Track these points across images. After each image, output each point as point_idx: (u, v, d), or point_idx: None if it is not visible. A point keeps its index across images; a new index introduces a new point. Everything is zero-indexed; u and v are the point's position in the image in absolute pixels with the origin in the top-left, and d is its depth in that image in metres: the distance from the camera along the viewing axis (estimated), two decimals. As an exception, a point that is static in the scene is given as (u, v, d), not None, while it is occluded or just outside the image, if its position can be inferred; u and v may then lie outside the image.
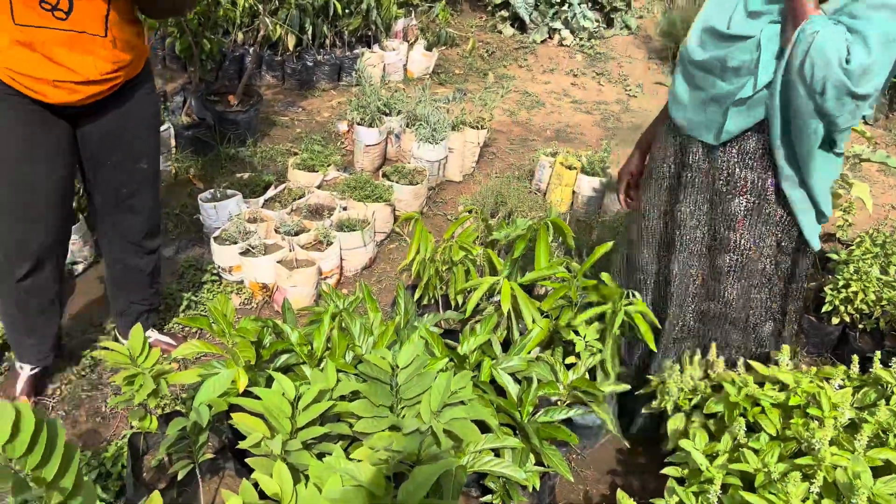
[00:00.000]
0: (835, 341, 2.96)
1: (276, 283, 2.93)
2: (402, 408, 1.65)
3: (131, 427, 2.32)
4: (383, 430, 1.59)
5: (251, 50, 4.91)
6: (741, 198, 2.03)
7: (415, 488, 1.21)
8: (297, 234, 3.08)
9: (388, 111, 3.99)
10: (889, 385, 1.96)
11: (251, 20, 4.83)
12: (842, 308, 2.86)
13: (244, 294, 3.00)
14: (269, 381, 1.89)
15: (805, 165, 1.88)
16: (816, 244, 2.04)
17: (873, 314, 2.82)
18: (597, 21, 6.42)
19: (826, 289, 2.91)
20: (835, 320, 2.89)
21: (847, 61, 1.60)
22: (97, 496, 1.29)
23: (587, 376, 2.13)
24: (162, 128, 3.71)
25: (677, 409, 2.19)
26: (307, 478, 1.46)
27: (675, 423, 2.17)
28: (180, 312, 2.84)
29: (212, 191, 3.26)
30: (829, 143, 1.85)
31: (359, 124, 3.91)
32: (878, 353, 2.18)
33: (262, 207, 3.29)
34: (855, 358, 2.03)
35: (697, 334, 2.30)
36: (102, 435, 2.29)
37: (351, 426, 1.67)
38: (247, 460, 1.55)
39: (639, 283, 2.41)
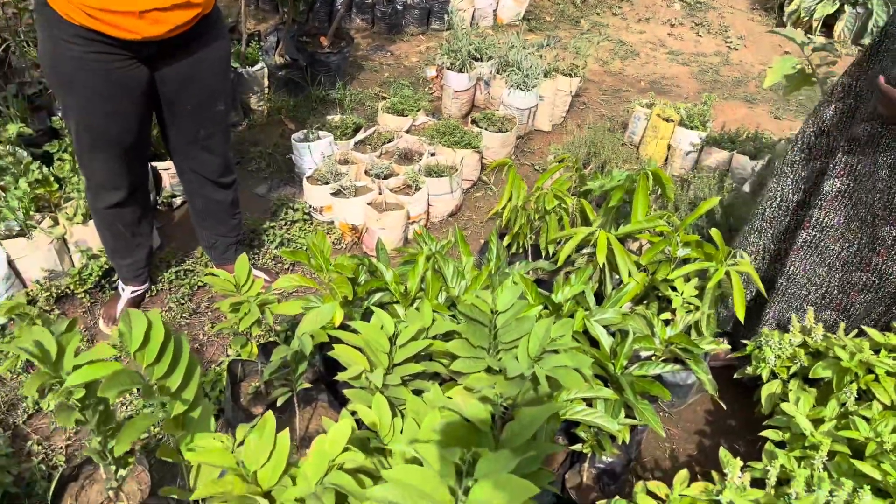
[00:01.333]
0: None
1: (366, 225, 2.95)
2: (499, 351, 1.63)
3: (227, 354, 2.41)
4: (479, 372, 1.58)
5: (342, -8, 4.88)
6: None
7: (521, 429, 1.19)
8: (386, 177, 3.08)
9: (478, 56, 3.90)
10: None
11: (342, -40, 4.79)
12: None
13: (334, 234, 3.03)
14: (365, 318, 1.91)
15: None
16: None
17: None
18: (698, -33, 6.07)
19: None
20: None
21: None
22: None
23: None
24: (255, 67, 3.76)
25: (773, 375, 2.11)
26: (402, 414, 1.47)
27: (770, 389, 2.09)
28: (272, 249, 2.90)
29: (304, 131, 3.28)
30: None
31: (448, 69, 3.85)
32: None
33: (352, 150, 3.30)
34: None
35: (840, 305, 2.17)
36: (200, 361, 2.39)
37: (446, 366, 1.67)
38: (345, 392, 1.57)
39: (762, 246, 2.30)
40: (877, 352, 1.89)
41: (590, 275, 2.20)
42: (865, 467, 1.54)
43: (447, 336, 1.79)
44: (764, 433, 1.84)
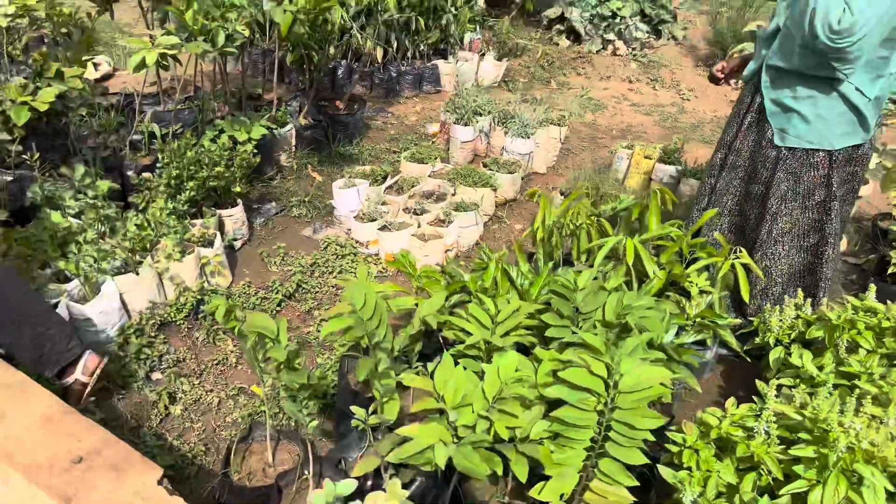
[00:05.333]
0: (899, 300, 3.36)
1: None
2: (582, 321, 2.10)
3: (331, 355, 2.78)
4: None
5: (342, 63, 5.44)
6: None
7: (634, 348, 1.65)
8: (423, 213, 3.56)
9: (479, 112, 4.48)
10: (962, 312, 2.38)
11: (341, 36, 5.36)
12: (905, 269, 3.27)
13: (379, 265, 3.47)
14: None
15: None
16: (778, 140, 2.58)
17: (933, 274, 3.23)
18: (647, 32, 6.90)
19: (891, 253, 3.33)
20: (898, 281, 3.30)
21: (839, 21, 2.13)
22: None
23: (704, 311, 2.56)
24: (285, 129, 4.24)
25: (778, 342, 2.63)
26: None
27: (775, 354, 2.60)
28: (331, 278, 3.31)
29: (343, 179, 3.75)
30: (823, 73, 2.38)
31: (455, 123, 4.40)
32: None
33: (384, 193, 3.77)
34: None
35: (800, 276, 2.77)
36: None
37: (536, 337, 2.12)
38: (459, 360, 2.00)
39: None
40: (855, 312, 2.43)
41: (623, 273, 2.71)
42: (864, 384, 2.05)
43: (530, 317, 2.25)
44: (779, 381, 2.34)
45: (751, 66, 2.68)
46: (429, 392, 1.60)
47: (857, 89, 2.42)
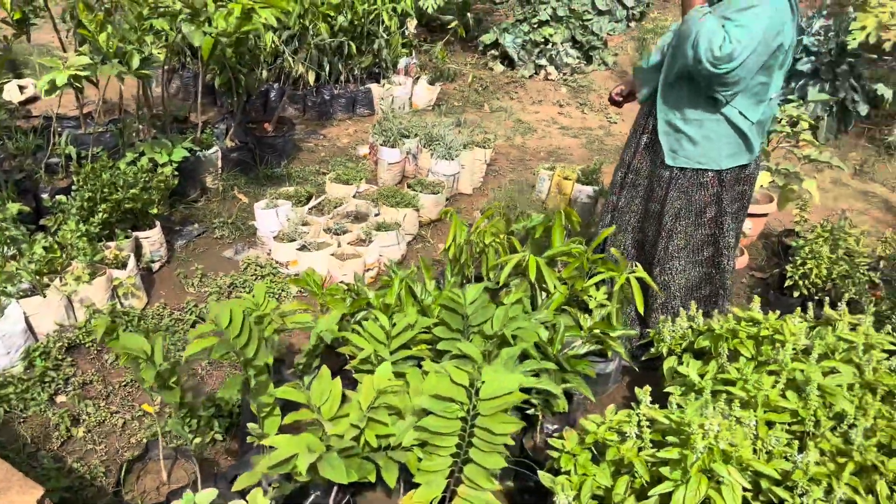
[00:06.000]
0: (796, 312, 3.55)
1: (329, 273, 3.45)
2: (471, 333, 2.18)
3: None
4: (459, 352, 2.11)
5: (275, 86, 5.49)
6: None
7: (508, 358, 1.73)
8: (343, 233, 3.62)
9: (406, 134, 4.57)
10: (835, 320, 2.54)
11: (274, 59, 5.42)
12: (801, 283, 3.45)
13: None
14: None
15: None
16: (669, 160, 2.72)
17: (826, 287, 3.42)
18: (578, 58, 7.13)
19: (788, 267, 3.51)
20: (795, 294, 3.48)
21: (720, 47, 2.29)
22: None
23: (601, 324, 2.67)
24: (211, 150, 4.26)
25: (671, 352, 2.75)
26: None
27: (669, 364, 2.72)
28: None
29: (266, 200, 3.79)
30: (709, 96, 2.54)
31: (382, 145, 4.49)
32: (828, 298, 2.77)
33: (307, 214, 3.82)
34: (810, 305, 2.61)
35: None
36: (202, 391, 2.78)
37: (431, 350, 2.19)
38: (355, 374, 2.05)
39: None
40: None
41: (525, 289, 2.81)
42: (735, 391, 2.17)
43: (425, 332, 2.32)
44: (667, 388, 2.45)
45: (644, 91, 2.83)
46: (307, 405, 1.65)
47: (740, 113, 2.58)
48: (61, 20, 4.00)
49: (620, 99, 3.10)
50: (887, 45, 5.18)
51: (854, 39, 5.23)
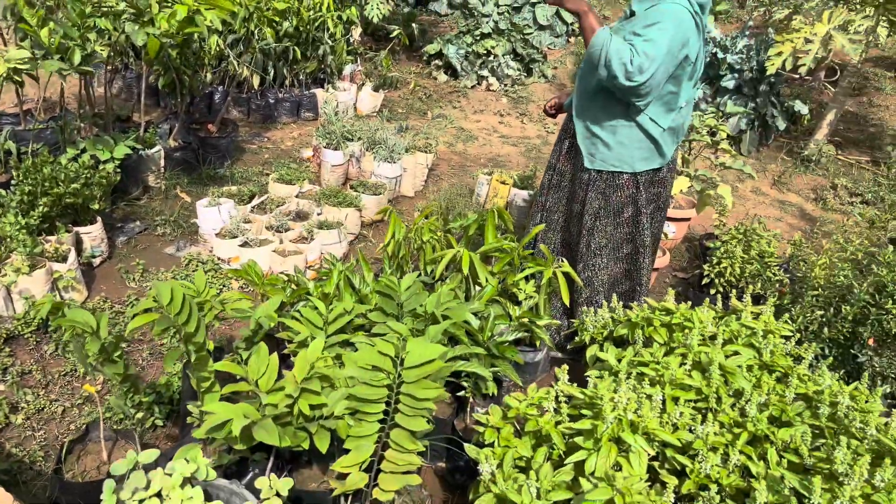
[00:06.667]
0: (713, 307, 3.80)
1: (271, 269, 3.54)
2: (405, 317, 2.32)
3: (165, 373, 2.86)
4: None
5: (220, 88, 5.54)
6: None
7: (435, 333, 1.87)
8: (285, 231, 3.71)
9: (350, 137, 4.70)
10: (740, 310, 2.77)
11: (219, 62, 5.48)
12: (716, 280, 3.71)
13: (241, 280, 3.58)
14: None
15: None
16: (587, 163, 2.92)
17: (739, 285, 3.68)
18: (518, 70, 7.39)
19: (705, 267, 3.77)
20: (713, 291, 3.74)
21: (631, 61, 2.50)
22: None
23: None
24: (153, 150, 4.29)
25: (593, 340, 2.94)
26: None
27: (591, 351, 2.91)
28: (191, 293, 3.40)
29: (208, 198, 3.85)
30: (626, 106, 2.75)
31: (326, 148, 4.60)
32: (734, 291, 3.01)
33: (250, 212, 3.90)
34: (718, 297, 2.84)
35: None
36: (143, 381, 2.84)
37: (367, 334, 2.32)
38: (293, 358, 2.16)
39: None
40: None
41: (459, 281, 2.96)
42: (648, 370, 2.37)
43: (362, 318, 2.45)
44: (588, 373, 2.63)
45: (569, 99, 3.04)
46: (245, 378, 1.76)
47: (651, 120, 2.80)
48: (2, 16, 3.98)
49: (554, 111, 3.31)
50: (802, 70, 5.57)
51: (772, 65, 5.60)
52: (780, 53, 5.63)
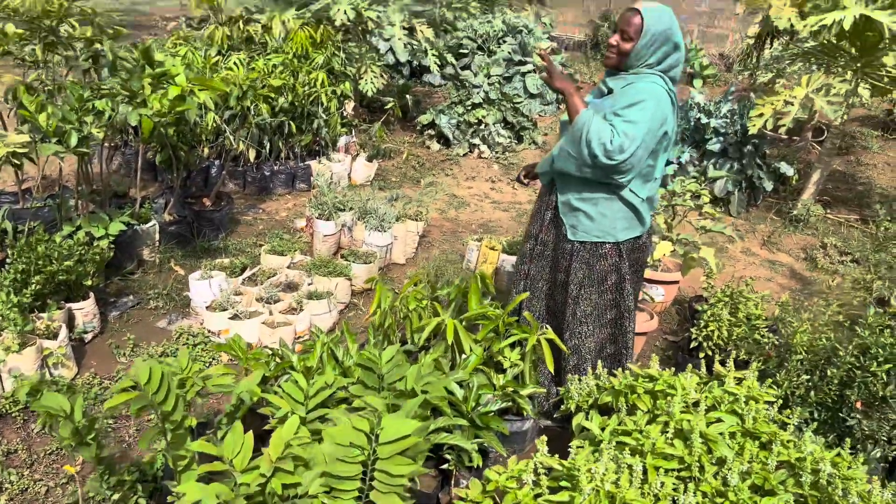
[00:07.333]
0: (703, 371, 3.80)
1: (260, 341, 3.57)
2: (386, 391, 2.33)
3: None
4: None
5: (217, 162, 5.69)
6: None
7: (410, 408, 1.89)
8: (275, 302, 3.75)
9: (342, 207, 4.79)
10: (723, 376, 2.78)
11: (216, 137, 5.64)
12: (704, 344, 3.72)
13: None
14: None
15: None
16: (570, 235, 2.97)
17: (727, 348, 3.69)
18: (509, 138, 7.57)
19: (693, 330, 3.78)
20: (701, 354, 3.74)
21: (611, 141, 2.59)
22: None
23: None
24: (148, 224, 4.38)
25: (578, 408, 2.94)
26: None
27: (577, 420, 2.90)
28: (180, 367, 3.42)
29: (200, 272, 3.91)
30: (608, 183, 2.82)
31: (318, 218, 4.69)
32: (718, 356, 3.03)
33: (241, 284, 3.95)
34: (702, 362, 2.86)
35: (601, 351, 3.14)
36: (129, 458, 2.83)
37: (348, 407, 2.33)
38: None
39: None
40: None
41: (444, 350, 2.99)
42: (628, 440, 2.36)
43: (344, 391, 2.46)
44: (572, 443, 2.63)
45: (542, 166, 3.11)
46: (220, 457, 1.77)
47: (631, 191, 2.88)
48: (3, 100, 4.14)
49: (526, 181, 3.40)
50: (782, 131, 5.71)
51: (753, 126, 5.75)
52: (761, 115, 5.78)
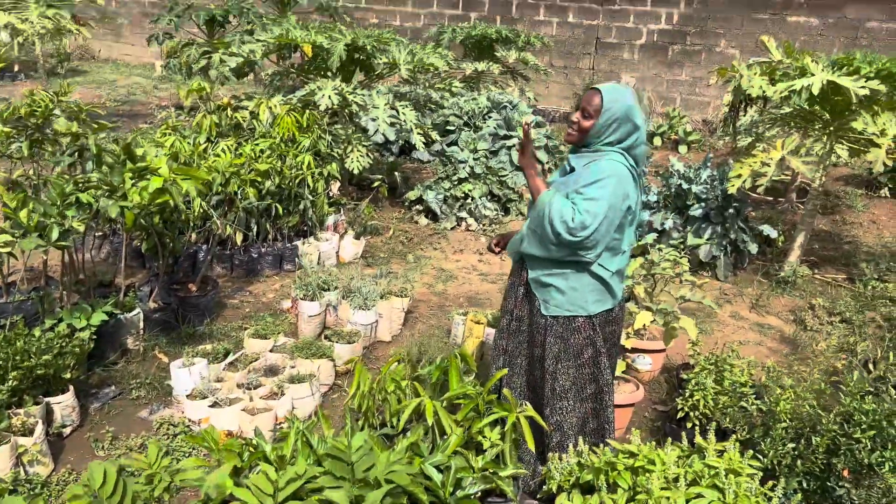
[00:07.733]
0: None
1: (241, 429, 3.52)
2: (357, 480, 2.30)
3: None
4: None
5: (204, 246, 5.75)
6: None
7: (373, 500, 1.85)
8: (256, 387, 3.73)
9: (326, 287, 4.82)
10: (704, 448, 2.74)
11: (203, 222, 5.72)
12: (691, 413, 3.67)
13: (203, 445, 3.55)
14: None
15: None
16: (543, 310, 2.99)
17: (715, 416, 3.64)
18: (496, 210, 7.67)
19: (678, 399, 3.74)
20: (688, 424, 3.69)
21: (572, 219, 2.66)
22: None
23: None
24: (132, 313, 4.39)
25: (560, 489, 2.88)
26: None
27: (560, 501, 2.84)
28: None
29: (182, 359, 3.90)
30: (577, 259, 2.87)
31: (302, 299, 4.70)
32: (707, 425, 2.99)
33: (223, 370, 3.94)
34: (683, 435, 2.82)
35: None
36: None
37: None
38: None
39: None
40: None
41: (425, 432, 2.95)
42: (606, 521, 2.31)
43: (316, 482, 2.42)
44: (553, 525, 2.57)
45: (514, 241, 3.15)
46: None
47: (600, 265, 2.91)
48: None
49: (498, 250, 3.44)
50: (760, 190, 5.80)
51: (732, 186, 5.85)
52: (739, 175, 5.89)
